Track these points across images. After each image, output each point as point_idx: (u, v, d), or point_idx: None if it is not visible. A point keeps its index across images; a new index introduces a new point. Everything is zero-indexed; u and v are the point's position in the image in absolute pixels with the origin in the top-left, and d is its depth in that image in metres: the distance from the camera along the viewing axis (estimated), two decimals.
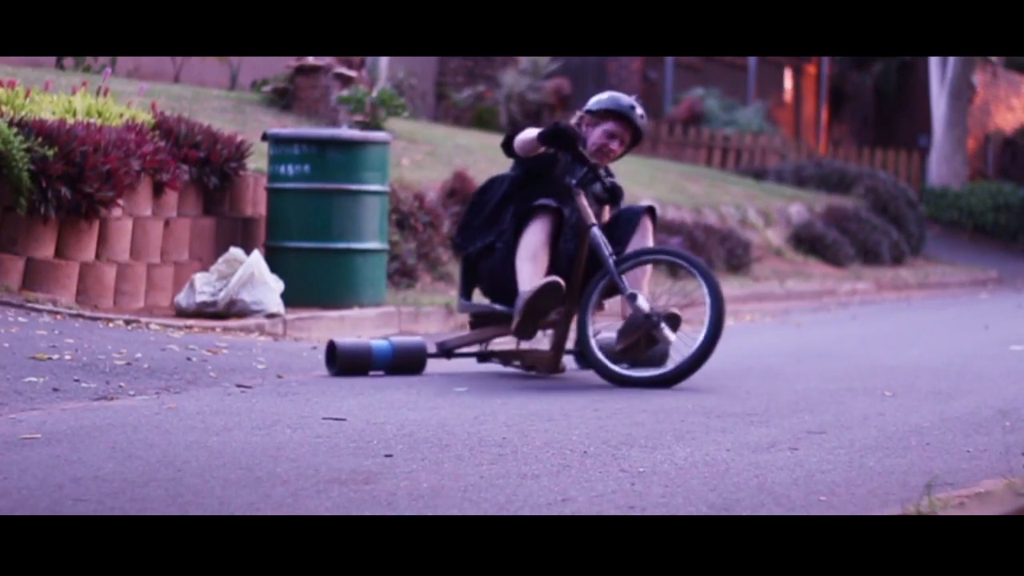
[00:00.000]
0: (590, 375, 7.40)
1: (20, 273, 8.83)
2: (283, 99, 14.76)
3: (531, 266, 7.18)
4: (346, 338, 7.80)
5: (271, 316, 9.46)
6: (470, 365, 7.91)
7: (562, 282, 7.05)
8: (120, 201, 9.19)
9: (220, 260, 9.62)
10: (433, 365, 7.69)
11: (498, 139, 19.17)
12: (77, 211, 8.96)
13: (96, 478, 4.61)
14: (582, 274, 7.35)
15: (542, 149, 7.41)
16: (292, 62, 14.68)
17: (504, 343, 7.88)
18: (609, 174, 7.52)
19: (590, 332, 7.23)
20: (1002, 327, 11.70)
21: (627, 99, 7.56)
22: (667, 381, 7.14)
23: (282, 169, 10.20)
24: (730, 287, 14.80)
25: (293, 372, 7.34)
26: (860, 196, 20.56)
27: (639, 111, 7.50)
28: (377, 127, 13.58)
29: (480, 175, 13.79)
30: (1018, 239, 23.66)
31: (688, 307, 7.43)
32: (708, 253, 15.38)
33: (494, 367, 7.84)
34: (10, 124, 8.70)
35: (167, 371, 7.01)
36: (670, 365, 7.32)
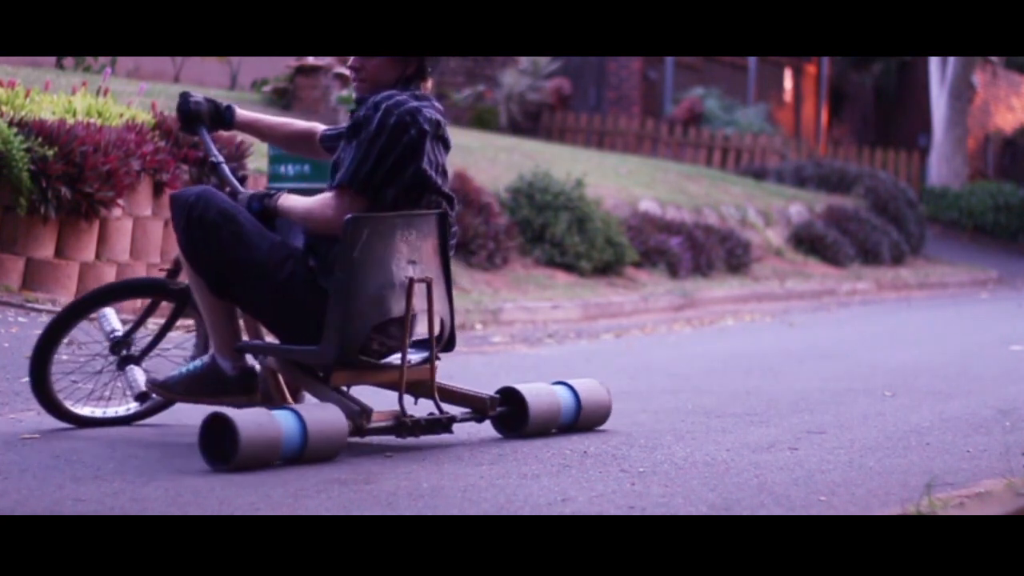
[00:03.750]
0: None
1: (20, 273, 8.83)
2: (283, 99, 14.76)
3: None
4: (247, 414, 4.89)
5: None
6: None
7: None
8: (120, 201, 9.19)
9: None
10: None
11: (498, 139, 19.02)
12: (77, 211, 8.96)
13: (96, 478, 4.61)
14: None
15: None
16: (292, 62, 14.68)
17: None
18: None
19: None
20: (1002, 327, 11.70)
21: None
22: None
23: (282, 169, 10.20)
24: (730, 287, 14.81)
25: None
26: (860, 196, 20.56)
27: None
28: None
29: (480, 175, 13.80)
30: (1018, 239, 23.65)
31: None
32: (708, 253, 15.38)
33: None
34: (10, 124, 8.70)
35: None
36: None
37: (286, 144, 5.88)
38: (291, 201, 5.31)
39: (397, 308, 5.15)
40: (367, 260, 5.06)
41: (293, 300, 5.20)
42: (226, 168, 5.57)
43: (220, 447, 4.77)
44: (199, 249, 5.24)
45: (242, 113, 5.74)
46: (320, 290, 5.15)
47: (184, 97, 5.66)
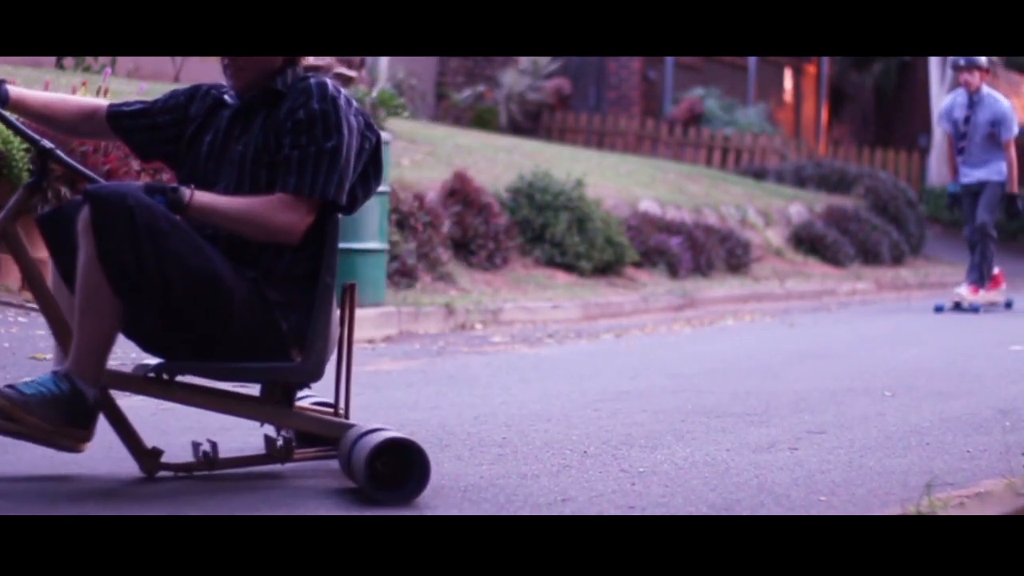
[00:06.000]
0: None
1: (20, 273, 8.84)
2: None
3: None
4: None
5: None
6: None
7: None
8: None
9: None
10: None
11: (498, 139, 19.01)
12: None
13: (95, 478, 4.61)
14: None
15: None
16: None
17: None
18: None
19: None
20: (1002, 327, 11.70)
21: None
22: None
23: None
24: (730, 287, 14.81)
25: None
26: (860, 196, 20.56)
27: None
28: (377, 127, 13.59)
29: (480, 175, 13.80)
30: (1018, 239, 23.65)
31: None
32: (708, 253, 15.38)
33: None
34: None
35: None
36: None
37: (67, 127, 4.91)
38: (212, 200, 4.44)
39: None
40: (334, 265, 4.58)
41: (251, 319, 4.44)
42: (63, 154, 4.64)
43: (391, 477, 4.37)
44: (146, 268, 4.32)
45: (14, 89, 4.74)
46: (267, 304, 4.46)
47: None
